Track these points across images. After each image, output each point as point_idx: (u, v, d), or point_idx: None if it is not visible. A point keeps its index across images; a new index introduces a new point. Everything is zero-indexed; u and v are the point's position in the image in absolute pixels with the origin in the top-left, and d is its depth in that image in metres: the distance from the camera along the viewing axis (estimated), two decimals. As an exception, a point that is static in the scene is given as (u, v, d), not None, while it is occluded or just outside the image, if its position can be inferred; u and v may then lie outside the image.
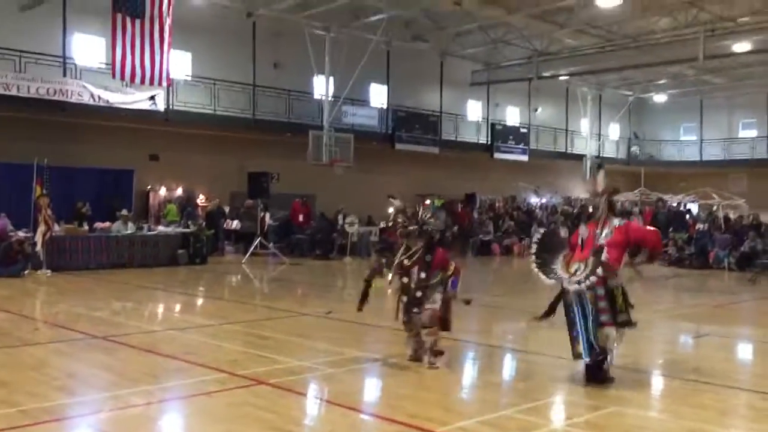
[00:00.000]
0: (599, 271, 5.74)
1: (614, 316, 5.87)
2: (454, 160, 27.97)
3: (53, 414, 5.09)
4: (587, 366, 6.00)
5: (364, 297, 6.85)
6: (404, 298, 6.59)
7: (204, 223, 19.93)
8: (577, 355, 5.93)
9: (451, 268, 6.60)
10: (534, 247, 6.24)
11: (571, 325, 5.93)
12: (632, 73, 30.06)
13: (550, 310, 6.23)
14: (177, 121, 20.81)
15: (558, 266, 6.01)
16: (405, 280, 6.59)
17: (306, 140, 22.11)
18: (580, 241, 6.17)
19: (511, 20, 22.98)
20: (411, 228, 6.60)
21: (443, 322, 6.62)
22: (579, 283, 5.78)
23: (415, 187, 25.33)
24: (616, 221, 6.15)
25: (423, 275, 6.53)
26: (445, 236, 7.46)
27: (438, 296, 6.53)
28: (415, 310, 6.50)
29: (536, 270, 6.08)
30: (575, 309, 5.87)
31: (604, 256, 5.87)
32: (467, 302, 6.67)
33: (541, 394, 5.80)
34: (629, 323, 5.97)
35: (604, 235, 6.03)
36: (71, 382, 6.07)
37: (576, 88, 32.09)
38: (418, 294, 6.51)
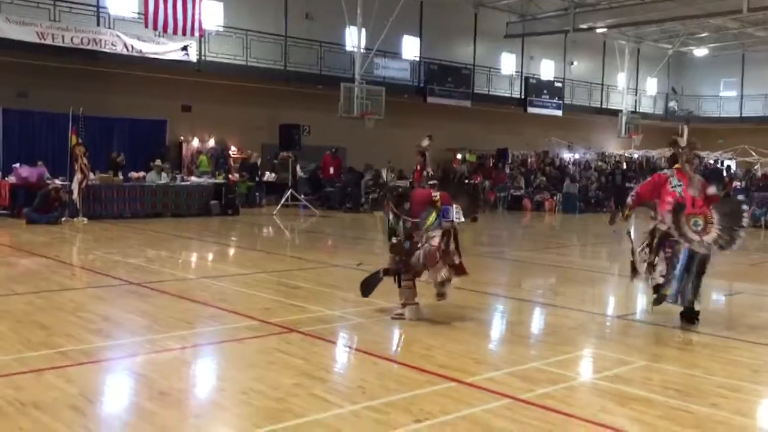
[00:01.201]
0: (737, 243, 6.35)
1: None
2: (487, 114, 27.64)
3: (91, 356, 5.23)
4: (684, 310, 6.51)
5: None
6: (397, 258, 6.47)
7: (246, 175, 20.28)
8: (661, 297, 6.35)
9: (437, 198, 6.31)
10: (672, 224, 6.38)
11: (669, 268, 6.33)
12: (672, 26, 29.21)
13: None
14: (209, 72, 20.81)
15: (685, 228, 6.28)
16: (394, 240, 6.45)
17: (337, 93, 21.97)
18: (677, 192, 6.44)
19: (549, -30, 22.46)
20: (377, 194, 6.45)
21: (455, 267, 6.42)
22: (721, 247, 6.32)
23: (446, 141, 25.10)
24: (699, 177, 6.65)
25: (408, 224, 6.34)
26: (463, 187, 7.02)
27: (434, 234, 6.20)
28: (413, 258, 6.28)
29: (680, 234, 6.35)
30: (683, 258, 6.29)
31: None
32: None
33: (571, 347, 5.80)
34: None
35: (696, 190, 6.44)
36: (108, 326, 6.21)
37: (613, 42, 31.31)
38: (407, 244, 6.35)
